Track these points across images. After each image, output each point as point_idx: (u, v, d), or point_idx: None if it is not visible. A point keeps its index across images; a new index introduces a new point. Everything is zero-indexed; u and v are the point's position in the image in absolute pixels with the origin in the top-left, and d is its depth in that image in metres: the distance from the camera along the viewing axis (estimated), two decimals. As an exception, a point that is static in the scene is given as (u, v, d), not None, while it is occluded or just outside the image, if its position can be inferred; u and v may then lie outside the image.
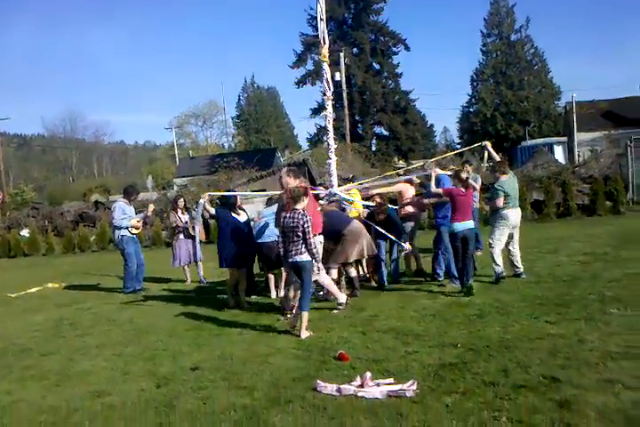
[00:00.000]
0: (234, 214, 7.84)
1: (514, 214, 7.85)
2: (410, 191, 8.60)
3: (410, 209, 8.48)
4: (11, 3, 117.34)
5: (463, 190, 7.45)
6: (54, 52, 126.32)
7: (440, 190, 7.75)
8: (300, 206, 6.04)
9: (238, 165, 24.57)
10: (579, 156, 31.70)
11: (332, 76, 9.09)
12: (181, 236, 10.26)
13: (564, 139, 35.80)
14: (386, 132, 45.06)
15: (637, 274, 7.40)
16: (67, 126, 72.50)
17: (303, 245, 5.94)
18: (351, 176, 11.43)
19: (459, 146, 53.67)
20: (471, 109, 48.23)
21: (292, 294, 6.62)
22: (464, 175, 7.58)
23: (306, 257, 5.97)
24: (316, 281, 6.72)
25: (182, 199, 10.82)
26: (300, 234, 5.91)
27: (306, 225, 5.87)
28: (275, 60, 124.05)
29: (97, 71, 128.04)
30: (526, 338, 5.13)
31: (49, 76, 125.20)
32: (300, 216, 5.92)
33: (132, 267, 9.56)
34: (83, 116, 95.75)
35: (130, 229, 9.55)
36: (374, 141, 44.78)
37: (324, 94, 8.84)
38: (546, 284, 7.36)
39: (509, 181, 7.94)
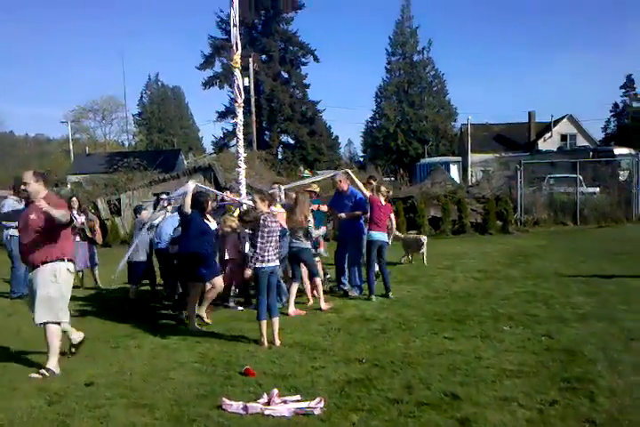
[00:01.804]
0: (205, 220, 7.07)
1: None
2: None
3: None
4: None
5: (382, 202, 7.83)
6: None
7: (367, 194, 8.08)
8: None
9: (139, 165, 23.70)
10: (472, 175, 33.56)
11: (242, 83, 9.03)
12: (77, 238, 9.69)
13: (459, 158, 37.81)
14: (292, 141, 45.36)
15: (526, 292, 7.93)
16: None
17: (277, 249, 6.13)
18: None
19: (362, 159, 55.20)
20: (375, 124, 49.76)
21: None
22: (384, 188, 8.05)
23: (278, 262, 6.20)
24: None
25: (75, 198, 10.23)
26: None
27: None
28: (181, 60, 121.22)
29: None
30: (427, 354, 5.32)
31: None
32: (276, 219, 6.21)
33: (19, 270, 8.91)
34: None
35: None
36: (280, 150, 44.93)
37: (235, 101, 8.77)
38: (443, 300, 7.69)
39: None
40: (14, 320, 7.43)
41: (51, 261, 5.19)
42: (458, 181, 24.35)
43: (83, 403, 4.41)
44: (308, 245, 7.38)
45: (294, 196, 7.65)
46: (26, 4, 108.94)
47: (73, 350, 5.71)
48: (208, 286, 6.89)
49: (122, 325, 6.99)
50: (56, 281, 5.20)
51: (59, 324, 5.26)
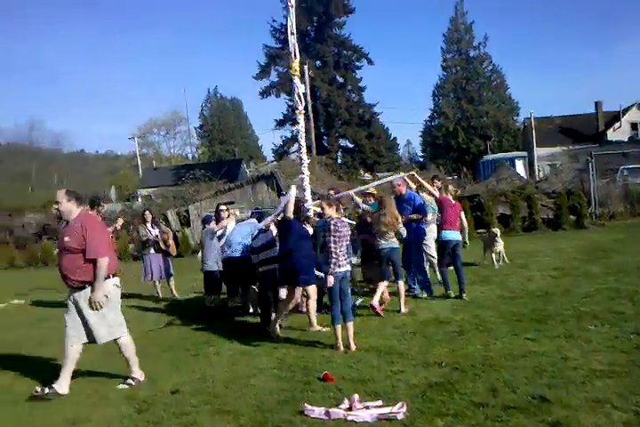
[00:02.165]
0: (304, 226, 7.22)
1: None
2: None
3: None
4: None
5: (452, 201, 7.85)
6: (13, 59, 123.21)
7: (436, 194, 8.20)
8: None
9: (204, 176, 24.34)
10: (539, 170, 32.57)
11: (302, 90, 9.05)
12: (152, 250, 10.01)
13: (525, 153, 36.70)
14: (351, 145, 45.32)
15: (608, 289, 7.59)
16: (25, 135, 70.61)
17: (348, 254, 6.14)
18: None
19: (422, 159, 54.54)
20: (433, 124, 49.03)
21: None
22: (452, 187, 7.99)
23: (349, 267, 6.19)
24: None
25: (148, 212, 10.59)
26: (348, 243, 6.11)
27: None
28: (238, 71, 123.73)
29: (58, 79, 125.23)
30: (509, 356, 5.16)
31: (8, 83, 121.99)
32: (346, 224, 6.19)
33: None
34: (42, 125, 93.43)
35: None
36: (340, 154, 44.99)
37: (297, 108, 8.79)
38: (521, 299, 7.46)
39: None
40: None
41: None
42: (525, 177, 23.63)
43: (170, 410, 4.53)
44: (397, 244, 7.37)
45: (380, 198, 7.63)
46: (86, 31, 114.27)
47: None
48: (282, 294, 6.97)
49: (200, 332, 7.16)
50: (107, 300, 5.17)
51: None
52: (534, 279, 8.78)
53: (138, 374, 5.35)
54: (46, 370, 5.87)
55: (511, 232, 15.33)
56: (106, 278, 5.15)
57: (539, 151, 36.30)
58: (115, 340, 5.26)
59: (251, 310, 8.09)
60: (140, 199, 29.56)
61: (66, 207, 5.15)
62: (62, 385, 5.12)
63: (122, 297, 9.46)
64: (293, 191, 6.95)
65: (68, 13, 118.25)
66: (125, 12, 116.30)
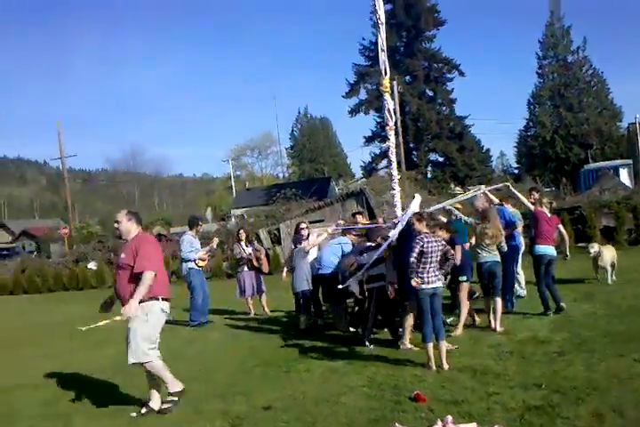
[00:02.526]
0: None
1: None
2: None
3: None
4: (75, 43, 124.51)
5: (548, 215, 7.63)
6: (116, 89, 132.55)
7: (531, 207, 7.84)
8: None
9: (295, 195, 24.79)
10: (645, 179, 30.48)
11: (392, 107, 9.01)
12: (245, 268, 10.28)
13: (630, 161, 34.44)
14: (441, 159, 44.59)
15: None
16: (129, 161, 75.45)
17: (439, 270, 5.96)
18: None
19: (517, 171, 52.64)
20: (529, 133, 47.24)
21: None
22: (546, 200, 7.71)
23: (442, 283, 6.00)
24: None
25: (243, 231, 10.91)
26: (440, 259, 5.93)
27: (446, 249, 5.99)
28: (327, 90, 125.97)
29: (156, 107, 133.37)
30: (615, 378, 4.81)
31: (111, 112, 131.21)
32: (440, 240, 6.01)
33: (197, 299, 9.67)
34: (144, 151, 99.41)
35: (197, 261, 9.70)
36: (429, 169, 44.36)
37: (387, 124, 8.75)
38: (628, 318, 6.96)
39: None
40: (193, 347, 8.01)
41: (143, 301, 5.04)
42: (630, 186, 22.17)
43: (261, 426, 4.59)
44: (499, 258, 7.18)
45: (483, 211, 7.40)
46: (183, 61, 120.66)
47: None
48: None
49: (291, 349, 7.23)
50: (147, 320, 5.09)
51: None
52: (644, 296, 8.17)
53: (155, 403, 5.21)
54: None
55: (616, 246, 14.35)
56: (153, 299, 5.11)
57: (645, 158, 33.99)
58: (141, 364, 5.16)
59: (341, 328, 8.06)
60: (233, 219, 30.52)
61: (125, 227, 5.27)
62: (174, 385, 5.22)
63: (217, 314, 9.82)
64: (417, 200, 6.97)
65: (164, 44, 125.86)
66: (219, 38, 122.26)
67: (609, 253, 9.67)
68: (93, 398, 5.89)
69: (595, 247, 9.73)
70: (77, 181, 74.85)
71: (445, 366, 5.63)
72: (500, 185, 8.93)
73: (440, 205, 8.82)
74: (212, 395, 5.57)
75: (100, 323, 10.13)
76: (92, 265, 21.82)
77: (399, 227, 6.96)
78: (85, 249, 24.98)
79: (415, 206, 6.89)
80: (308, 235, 8.90)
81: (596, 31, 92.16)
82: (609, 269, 9.63)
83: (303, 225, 9.12)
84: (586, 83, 44.32)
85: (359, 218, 9.11)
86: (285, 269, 9.56)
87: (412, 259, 5.79)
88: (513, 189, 8.35)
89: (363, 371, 5.87)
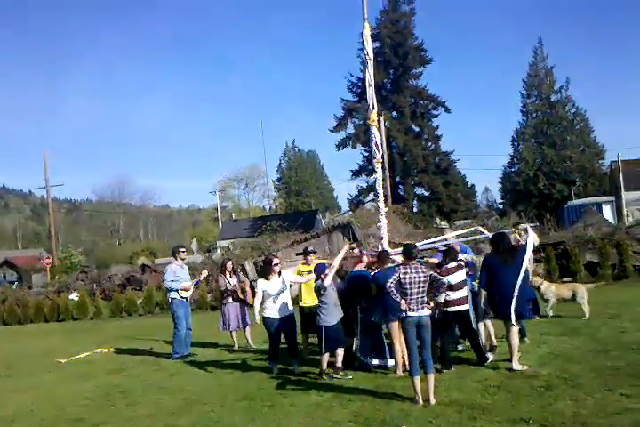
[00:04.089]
0: None
1: None
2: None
3: None
4: (66, 73, 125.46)
5: None
6: (104, 120, 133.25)
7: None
8: (413, 261, 6.07)
9: (281, 227, 24.77)
10: (627, 215, 30.96)
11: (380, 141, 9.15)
12: (230, 299, 10.15)
13: (612, 198, 35.05)
14: (427, 193, 44.97)
15: None
16: (115, 192, 75.14)
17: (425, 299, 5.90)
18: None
19: (501, 206, 53.18)
20: (513, 169, 47.96)
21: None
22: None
23: (428, 312, 5.92)
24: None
25: (230, 262, 10.82)
26: (424, 288, 5.87)
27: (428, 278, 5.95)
28: (315, 124, 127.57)
29: (144, 138, 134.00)
30: (603, 413, 4.78)
31: (98, 143, 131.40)
32: (423, 269, 5.96)
33: (181, 331, 9.51)
34: (130, 182, 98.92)
35: (180, 291, 9.58)
36: (415, 202, 44.69)
37: (374, 158, 8.88)
38: (614, 352, 6.94)
39: None
40: (176, 380, 7.84)
41: None
42: (613, 223, 22.46)
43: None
44: None
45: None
46: (171, 94, 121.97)
47: None
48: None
49: (275, 383, 7.08)
50: None
51: None
52: (628, 331, 8.16)
53: None
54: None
55: (600, 281, 14.44)
56: None
57: (627, 195, 34.60)
58: None
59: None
60: (219, 250, 30.35)
61: None
62: None
63: (200, 347, 9.66)
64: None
65: (153, 76, 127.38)
66: (210, 71, 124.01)
67: (558, 289, 9.86)
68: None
69: (535, 279, 9.84)
70: (62, 210, 74.30)
71: (432, 401, 5.56)
72: (472, 229, 9.11)
73: (428, 241, 8.90)
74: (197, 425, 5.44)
75: (81, 355, 9.99)
76: (73, 296, 21.46)
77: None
78: (68, 279, 24.62)
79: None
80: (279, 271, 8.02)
81: (581, 70, 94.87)
82: (551, 301, 9.79)
83: (276, 260, 8.06)
84: (569, 121, 45.31)
85: (311, 256, 8.64)
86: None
87: (387, 284, 5.86)
88: (483, 230, 8.55)
89: (349, 405, 5.78)
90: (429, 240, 9.72)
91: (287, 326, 7.61)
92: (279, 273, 7.67)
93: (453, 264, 7.10)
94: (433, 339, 6.17)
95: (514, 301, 6.40)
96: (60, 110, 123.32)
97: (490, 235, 8.32)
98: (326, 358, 7.02)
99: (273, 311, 7.51)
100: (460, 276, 7.02)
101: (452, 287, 6.85)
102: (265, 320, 7.53)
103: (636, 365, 6.22)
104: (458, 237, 9.29)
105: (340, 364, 7.00)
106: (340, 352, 7.02)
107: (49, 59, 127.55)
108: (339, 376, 6.95)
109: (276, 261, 7.75)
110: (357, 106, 42.08)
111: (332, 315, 7.01)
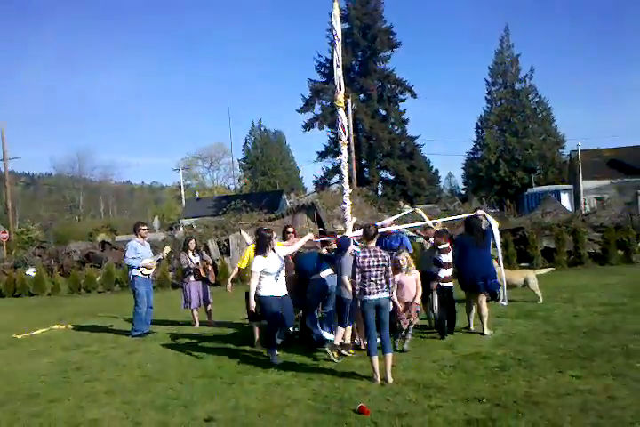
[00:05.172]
0: None
1: None
2: None
3: None
4: (23, 44, 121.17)
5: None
6: (64, 92, 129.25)
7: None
8: (372, 244, 6.12)
9: (246, 207, 24.62)
10: (585, 203, 31.80)
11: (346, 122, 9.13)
12: (192, 278, 10.09)
13: (570, 186, 35.96)
14: (392, 177, 45.32)
15: (660, 326, 7.23)
16: (75, 166, 73.34)
17: (386, 283, 5.98)
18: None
19: (463, 191, 54.05)
20: (476, 156, 48.65)
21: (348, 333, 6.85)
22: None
23: (387, 294, 5.98)
24: None
25: (194, 240, 10.73)
26: (384, 271, 5.95)
27: (389, 262, 6.03)
28: (282, 104, 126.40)
29: (105, 112, 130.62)
30: (554, 393, 4.95)
31: (58, 116, 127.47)
32: (382, 253, 6.00)
33: (142, 309, 9.41)
34: (91, 157, 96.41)
35: (141, 269, 9.46)
36: (380, 186, 45.00)
37: (340, 139, 8.83)
38: (566, 335, 7.18)
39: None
40: (134, 357, 7.78)
41: None
42: (571, 210, 23.08)
43: (202, 438, 4.49)
44: None
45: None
46: (136, 65, 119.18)
47: None
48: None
49: (235, 361, 7.10)
50: None
51: None
52: (580, 315, 8.45)
53: None
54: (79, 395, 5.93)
55: (556, 266, 14.86)
56: None
57: (585, 184, 35.47)
58: None
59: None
60: (182, 229, 30.02)
61: None
62: None
63: (160, 325, 9.60)
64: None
65: (117, 48, 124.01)
66: (175, 44, 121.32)
67: (509, 275, 9.83)
68: (25, 408, 5.65)
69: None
70: (20, 184, 72.18)
71: (390, 380, 5.66)
72: (410, 211, 9.30)
73: (391, 219, 8.99)
74: (151, 406, 5.42)
75: (38, 331, 9.83)
76: (30, 271, 20.99)
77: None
78: (25, 255, 24.03)
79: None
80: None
81: (544, 60, 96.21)
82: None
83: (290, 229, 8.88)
84: (531, 110, 46.05)
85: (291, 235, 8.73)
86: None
87: (356, 276, 5.97)
88: (421, 213, 8.85)
89: (308, 384, 5.84)
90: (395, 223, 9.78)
91: (288, 307, 7.06)
92: (273, 249, 6.99)
93: (447, 245, 7.62)
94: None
95: (482, 275, 7.50)
96: (17, 80, 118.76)
97: (429, 221, 8.72)
98: (349, 331, 7.04)
99: (274, 290, 6.86)
100: (450, 256, 7.62)
101: (445, 266, 7.56)
102: (264, 300, 6.83)
103: (586, 348, 6.46)
104: (399, 222, 9.47)
105: (348, 341, 7.06)
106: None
107: (4, 27, 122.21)
108: (350, 354, 6.94)
109: (273, 234, 7.09)
110: (325, 87, 41.89)
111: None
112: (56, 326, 10.90)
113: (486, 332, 7.53)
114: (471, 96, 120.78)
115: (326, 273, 7.27)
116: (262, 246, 6.92)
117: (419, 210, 9.88)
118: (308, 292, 7.43)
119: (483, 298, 7.61)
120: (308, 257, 7.85)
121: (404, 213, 10.51)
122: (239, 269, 8.17)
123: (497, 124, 46.61)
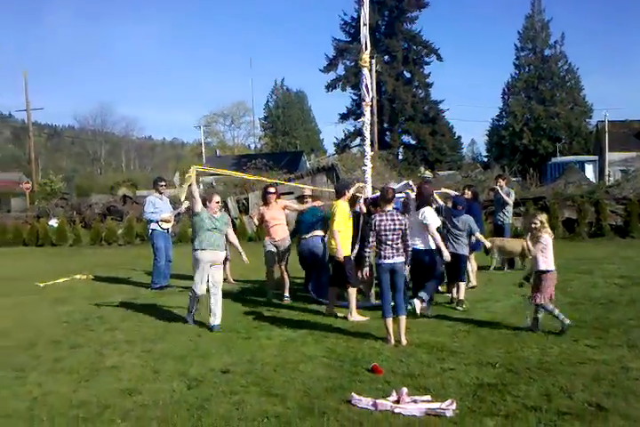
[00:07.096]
0: None
1: None
2: None
3: None
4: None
5: None
6: (89, 45, 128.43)
7: None
8: (390, 208, 6.10)
9: (266, 166, 24.59)
10: (609, 175, 31.25)
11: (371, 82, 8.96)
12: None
13: (595, 157, 35.26)
14: (413, 142, 44.83)
15: (678, 301, 7.19)
16: (97, 119, 73.44)
17: (403, 247, 5.95)
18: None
19: (486, 159, 53.28)
20: (501, 123, 47.76)
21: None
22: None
23: (402, 259, 5.96)
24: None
25: (217, 196, 10.72)
26: (401, 235, 5.91)
27: (407, 226, 5.99)
28: (305, 64, 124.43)
29: (129, 66, 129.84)
30: (567, 362, 4.98)
31: (83, 68, 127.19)
32: (399, 217, 5.97)
33: (160, 262, 9.57)
34: (113, 111, 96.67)
35: (160, 223, 9.56)
36: (401, 150, 44.59)
37: (363, 100, 8.72)
38: (582, 306, 7.17)
39: None
40: (154, 310, 7.93)
41: None
42: (594, 182, 22.70)
43: (219, 389, 4.62)
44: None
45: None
46: (159, 22, 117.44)
47: None
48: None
49: (252, 316, 7.24)
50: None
51: None
52: (598, 286, 8.42)
53: None
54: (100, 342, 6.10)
55: (576, 238, 14.76)
56: None
57: (611, 156, 34.77)
58: None
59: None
60: (202, 186, 30.12)
61: None
62: None
63: (179, 279, 9.75)
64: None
65: (143, 3, 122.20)
66: (196, 3, 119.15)
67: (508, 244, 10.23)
68: (48, 353, 5.84)
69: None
70: (42, 135, 72.67)
71: (404, 342, 5.74)
72: (404, 182, 9.07)
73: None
74: (170, 356, 5.57)
75: (59, 280, 10.00)
76: (53, 222, 21.36)
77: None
78: (47, 205, 24.41)
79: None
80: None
81: (576, 27, 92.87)
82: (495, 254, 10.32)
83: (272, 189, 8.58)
84: (560, 77, 44.82)
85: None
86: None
87: (370, 239, 6.02)
88: (412, 184, 8.68)
89: (323, 342, 5.94)
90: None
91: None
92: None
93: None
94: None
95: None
96: (42, 32, 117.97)
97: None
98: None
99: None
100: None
101: None
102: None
103: (602, 319, 6.45)
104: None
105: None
106: None
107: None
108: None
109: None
110: (349, 46, 41.05)
111: None
112: (78, 276, 11.15)
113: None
114: (499, 62, 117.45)
115: (310, 235, 7.91)
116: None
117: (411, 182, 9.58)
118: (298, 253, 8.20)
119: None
120: (308, 212, 8.20)
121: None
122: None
123: (524, 90, 45.54)
